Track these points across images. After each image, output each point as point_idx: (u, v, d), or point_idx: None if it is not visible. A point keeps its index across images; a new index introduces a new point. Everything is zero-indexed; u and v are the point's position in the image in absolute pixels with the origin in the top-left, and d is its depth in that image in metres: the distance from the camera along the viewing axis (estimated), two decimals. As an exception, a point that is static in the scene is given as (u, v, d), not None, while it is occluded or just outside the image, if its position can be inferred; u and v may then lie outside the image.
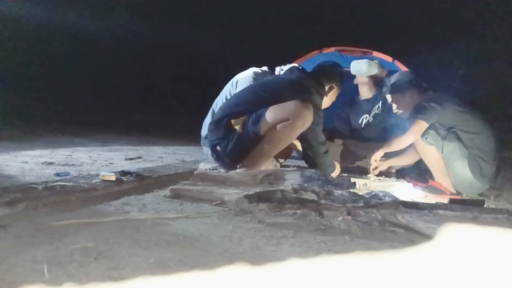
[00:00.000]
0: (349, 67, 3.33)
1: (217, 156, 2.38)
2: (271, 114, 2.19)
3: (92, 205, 1.36)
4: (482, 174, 2.37)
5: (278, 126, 2.18)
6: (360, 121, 3.41)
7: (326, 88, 2.59)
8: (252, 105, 2.29)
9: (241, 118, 2.25)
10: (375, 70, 3.13)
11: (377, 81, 3.27)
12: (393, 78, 2.70)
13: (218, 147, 2.33)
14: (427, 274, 0.90)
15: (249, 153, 2.23)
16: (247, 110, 2.28)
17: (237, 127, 2.25)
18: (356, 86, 3.44)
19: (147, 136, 5.43)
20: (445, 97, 2.54)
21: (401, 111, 2.69)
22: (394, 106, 2.71)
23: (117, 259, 0.86)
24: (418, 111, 2.48)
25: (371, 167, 2.81)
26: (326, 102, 2.63)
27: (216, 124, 2.36)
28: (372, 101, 3.34)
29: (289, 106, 2.20)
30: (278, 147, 2.31)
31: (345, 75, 3.42)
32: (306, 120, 2.21)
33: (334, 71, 2.66)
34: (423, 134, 2.46)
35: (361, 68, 3.14)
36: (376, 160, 2.77)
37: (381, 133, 3.14)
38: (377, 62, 3.23)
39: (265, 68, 3.08)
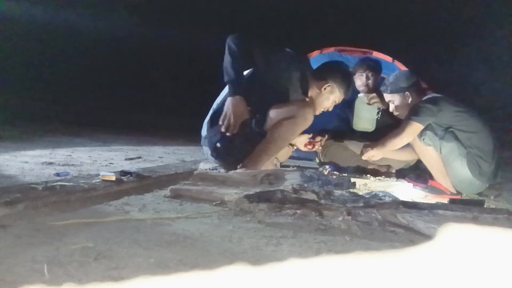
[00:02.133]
0: (349, 67, 3.32)
1: (217, 155, 2.36)
2: (274, 113, 2.21)
3: (92, 205, 1.36)
4: (481, 173, 2.37)
5: (279, 125, 2.19)
6: None
7: (321, 83, 2.48)
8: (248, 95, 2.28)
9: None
10: (376, 113, 3.17)
11: (378, 86, 3.25)
12: (392, 78, 2.70)
13: (218, 144, 2.31)
14: (427, 274, 0.89)
15: (250, 152, 2.23)
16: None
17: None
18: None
19: (147, 136, 5.43)
20: (441, 97, 2.53)
21: (398, 112, 2.68)
22: (392, 106, 2.70)
23: (117, 259, 0.86)
24: (412, 113, 2.47)
25: (364, 158, 2.81)
26: (324, 100, 2.52)
27: (215, 117, 2.36)
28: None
29: (291, 105, 2.23)
30: (280, 146, 2.32)
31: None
32: (308, 119, 2.23)
33: (332, 68, 2.57)
34: (421, 135, 2.45)
35: (367, 126, 3.21)
36: (370, 156, 2.78)
37: (378, 138, 3.11)
38: (375, 99, 3.18)
39: None
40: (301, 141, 2.84)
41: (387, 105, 2.86)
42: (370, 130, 3.21)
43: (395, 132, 2.57)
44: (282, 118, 2.20)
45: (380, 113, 3.28)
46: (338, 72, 2.54)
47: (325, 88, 2.48)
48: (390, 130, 2.71)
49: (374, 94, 3.16)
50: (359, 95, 3.25)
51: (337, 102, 2.56)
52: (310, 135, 2.79)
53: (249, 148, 2.25)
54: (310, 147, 2.84)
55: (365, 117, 3.12)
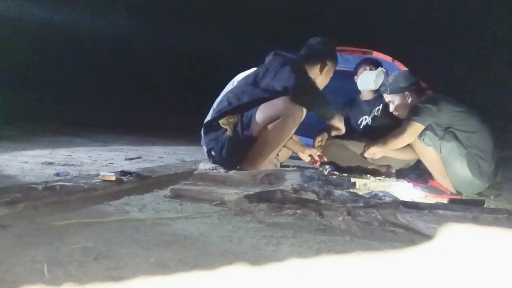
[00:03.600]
0: (349, 67, 3.33)
1: (214, 161, 2.40)
2: (260, 114, 2.18)
3: (92, 205, 1.36)
4: (481, 173, 2.37)
5: (269, 126, 2.17)
6: (358, 122, 3.41)
7: (318, 67, 2.50)
8: (243, 105, 2.27)
9: (230, 119, 2.24)
10: (381, 81, 3.12)
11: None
12: (391, 78, 2.70)
13: (213, 152, 2.34)
14: (427, 274, 0.90)
15: (245, 155, 2.23)
16: (237, 106, 2.28)
17: (227, 127, 2.23)
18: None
19: (147, 136, 5.43)
20: (440, 97, 2.54)
21: (398, 112, 2.68)
22: (392, 106, 2.71)
23: (117, 259, 0.86)
24: (413, 113, 2.47)
25: (365, 154, 2.82)
26: (322, 80, 2.54)
27: (209, 124, 2.38)
28: (372, 103, 3.34)
29: (278, 103, 2.19)
30: (273, 146, 2.31)
31: (347, 75, 3.42)
32: (297, 117, 2.21)
33: (323, 48, 2.54)
34: (420, 135, 2.46)
35: (369, 86, 3.17)
36: (371, 153, 2.79)
37: (379, 137, 3.11)
38: (383, 69, 3.20)
39: None
40: (304, 156, 2.85)
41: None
42: (374, 88, 3.20)
43: (396, 132, 2.57)
44: (270, 119, 2.16)
45: (380, 110, 3.28)
46: (329, 50, 2.57)
47: (324, 70, 2.51)
48: (390, 130, 2.71)
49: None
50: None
51: (330, 77, 2.60)
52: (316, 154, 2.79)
53: (244, 152, 2.24)
54: (315, 164, 2.86)
55: (370, 79, 3.13)
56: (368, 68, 3.28)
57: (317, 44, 2.54)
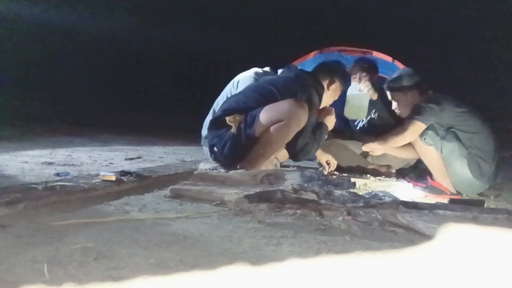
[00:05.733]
0: (349, 68, 3.31)
1: (215, 157, 2.39)
2: (265, 115, 2.17)
3: (92, 205, 1.36)
4: (481, 174, 2.37)
5: (272, 128, 2.16)
6: (355, 124, 3.41)
7: (326, 82, 2.56)
8: (250, 109, 2.28)
9: (237, 117, 2.24)
10: (365, 106, 3.04)
11: (375, 85, 3.22)
12: (395, 76, 2.70)
13: (215, 148, 2.34)
14: (427, 274, 0.90)
15: (246, 155, 2.23)
16: (244, 108, 2.29)
17: (232, 125, 2.23)
18: None
19: (147, 136, 5.43)
20: (443, 97, 2.53)
21: (400, 110, 2.68)
22: (394, 104, 2.70)
23: (117, 259, 0.86)
24: (415, 112, 2.47)
25: (364, 148, 2.81)
26: (329, 97, 2.61)
27: (214, 121, 2.38)
28: (369, 106, 3.31)
29: (283, 106, 2.19)
30: (275, 148, 2.31)
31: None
32: (301, 120, 2.20)
33: (335, 66, 2.68)
34: (422, 135, 2.45)
35: (359, 110, 3.07)
36: (370, 148, 2.78)
37: (376, 139, 3.07)
38: (368, 86, 3.08)
39: (267, 68, 3.07)
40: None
41: (378, 93, 3.05)
42: (362, 117, 3.20)
43: (397, 131, 2.57)
44: (274, 121, 2.16)
45: (376, 111, 3.26)
46: (340, 70, 2.69)
47: (332, 86, 2.58)
48: (391, 129, 2.71)
49: (366, 82, 3.11)
50: (352, 85, 3.17)
51: (336, 97, 2.69)
52: None
53: (245, 151, 2.24)
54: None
55: (357, 105, 3.05)
56: (359, 75, 3.17)
57: (330, 62, 2.77)
